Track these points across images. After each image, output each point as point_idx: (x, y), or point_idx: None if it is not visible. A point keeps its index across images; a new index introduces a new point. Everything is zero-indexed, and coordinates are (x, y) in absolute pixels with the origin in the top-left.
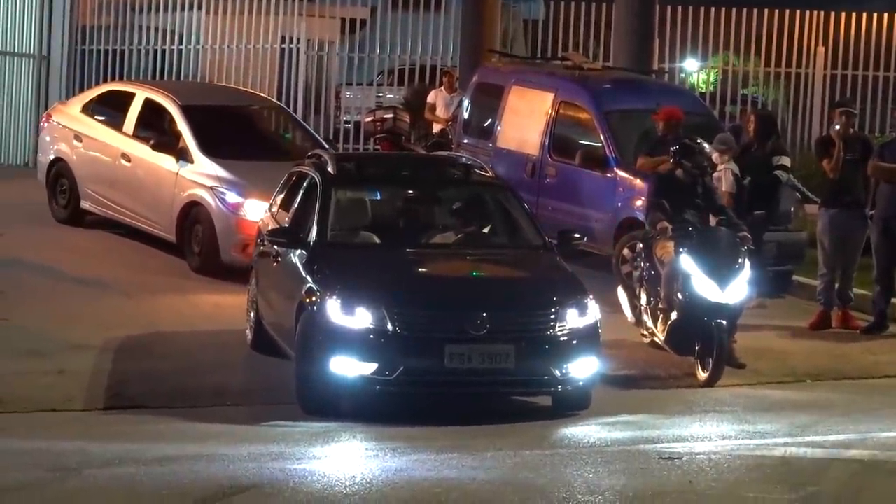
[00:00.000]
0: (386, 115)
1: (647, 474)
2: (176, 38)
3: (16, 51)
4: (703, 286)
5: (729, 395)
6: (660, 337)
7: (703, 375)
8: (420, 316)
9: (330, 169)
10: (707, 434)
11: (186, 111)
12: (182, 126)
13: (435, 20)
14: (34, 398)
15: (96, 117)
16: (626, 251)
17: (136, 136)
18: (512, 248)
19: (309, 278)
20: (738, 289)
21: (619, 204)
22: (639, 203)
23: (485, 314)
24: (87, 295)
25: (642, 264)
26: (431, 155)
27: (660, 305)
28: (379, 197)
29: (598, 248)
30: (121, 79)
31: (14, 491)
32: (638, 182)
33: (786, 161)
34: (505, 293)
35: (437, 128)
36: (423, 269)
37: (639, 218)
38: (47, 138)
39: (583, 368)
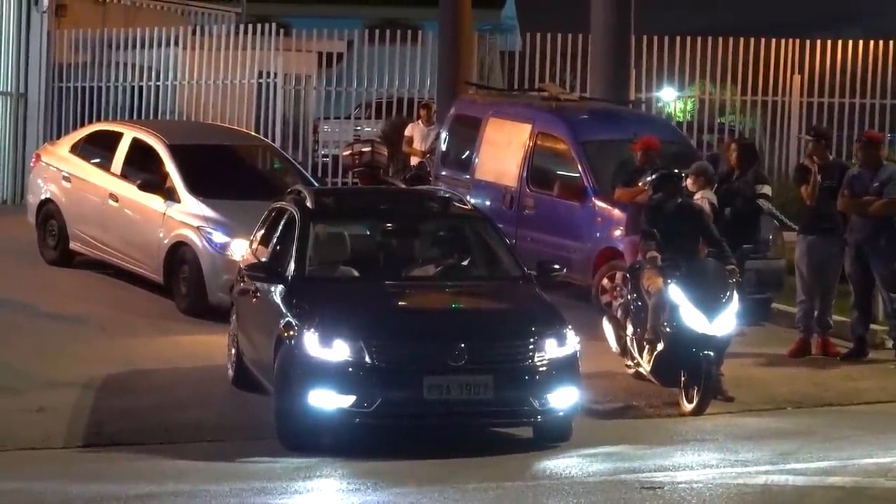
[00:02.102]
0: (364, 149)
1: None
2: (153, 74)
3: None
4: (691, 317)
5: (710, 423)
6: (645, 367)
7: (687, 407)
8: (398, 347)
9: (308, 204)
10: (689, 463)
11: (174, 150)
12: (169, 166)
13: (412, 53)
14: (12, 437)
15: (84, 157)
16: (605, 281)
17: (124, 176)
18: (490, 279)
19: (287, 313)
20: (726, 321)
21: (598, 234)
22: (617, 233)
23: (463, 345)
24: (68, 333)
25: (628, 295)
26: (410, 189)
27: (646, 336)
28: (357, 231)
29: (578, 279)
30: (98, 115)
31: None
32: (616, 212)
33: (767, 190)
34: (483, 324)
35: (414, 160)
36: (401, 302)
37: (617, 248)
38: (36, 179)
39: (562, 398)
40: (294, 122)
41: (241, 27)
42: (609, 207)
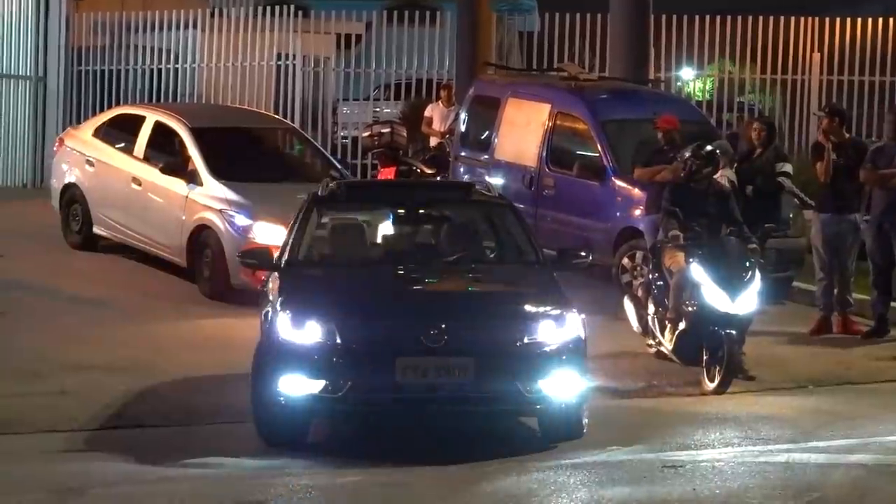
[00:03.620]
0: (383, 130)
1: (650, 483)
2: (172, 56)
3: (12, 73)
4: (714, 296)
5: (731, 402)
6: (667, 346)
7: (709, 385)
8: (369, 327)
9: (319, 191)
10: (710, 441)
11: (196, 133)
12: (191, 149)
13: (430, 34)
14: (35, 419)
15: (107, 141)
16: (625, 261)
17: (147, 159)
18: (501, 264)
19: (271, 298)
20: (748, 299)
21: (618, 214)
22: (637, 212)
23: (443, 325)
24: (90, 316)
25: (649, 274)
26: (433, 180)
27: (668, 315)
28: (367, 219)
29: (598, 259)
30: (117, 99)
31: None
32: (636, 192)
33: (788, 168)
34: (467, 305)
35: (434, 141)
36: (388, 284)
37: (638, 227)
38: (60, 164)
39: (559, 387)
40: (313, 104)
41: (260, 9)
42: (629, 187)
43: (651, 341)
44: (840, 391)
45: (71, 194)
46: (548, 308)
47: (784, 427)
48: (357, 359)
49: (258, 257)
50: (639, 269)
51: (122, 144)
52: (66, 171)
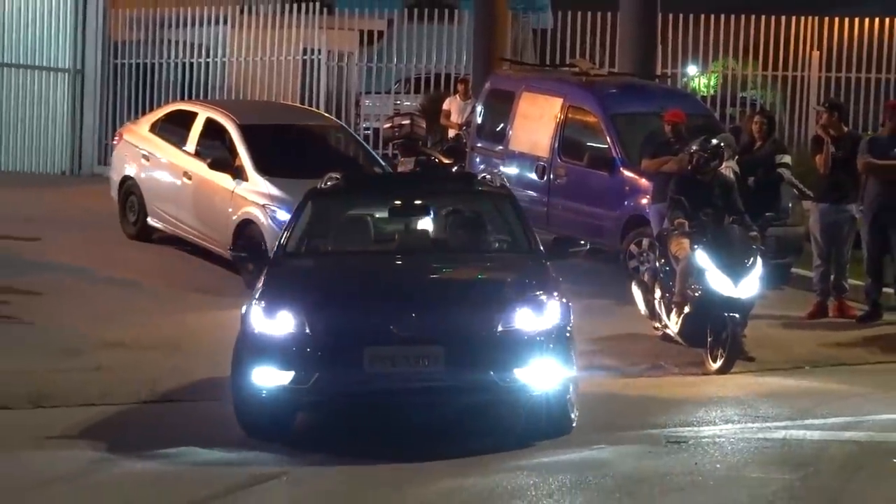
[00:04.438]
0: (403, 122)
1: (655, 457)
2: (203, 51)
3: (51, 65)
4: (718, 281)
5: (732, 382)
6: (673, 329)
7: (713, 366)
8: (337, 316)
9: (319, 185)
10: (712, 419)
11: (244, 130)
12: (238, 145)
13: (449, 31)
14: (73, 394)
15: (162, 136)
16: (632, 247)
17: (197, 154)
18: (491, 253)
19: (256, 288)
20: (750, 284)
21: (626, 202)
22: (644, 202)
23: (413, 314)
24: (134, 300)
25: (656, 261)
26: (431, 172)
27: (674, 299)
28: (364, 211)
29: (606, 245)
30: (151, 91)
31: (54, 482)
32: (643, 182)
33: (787, 160)
34: (441, 293)
35: (451, 133)
36: (366, 275)
37: (644, 216)
38: (118, 157)
39: (540, 376)
40: (337, 97)
41: (287, 6)
42: (636, 177)
43: (657, 324)
44: (835, 372)
45: (128, 186)
46: (527, 296)
47: (782, 405)
48: (326, 349)
49: (248, 251)
50: (645, 255)
51: (176, 139)
52: (124, 164)
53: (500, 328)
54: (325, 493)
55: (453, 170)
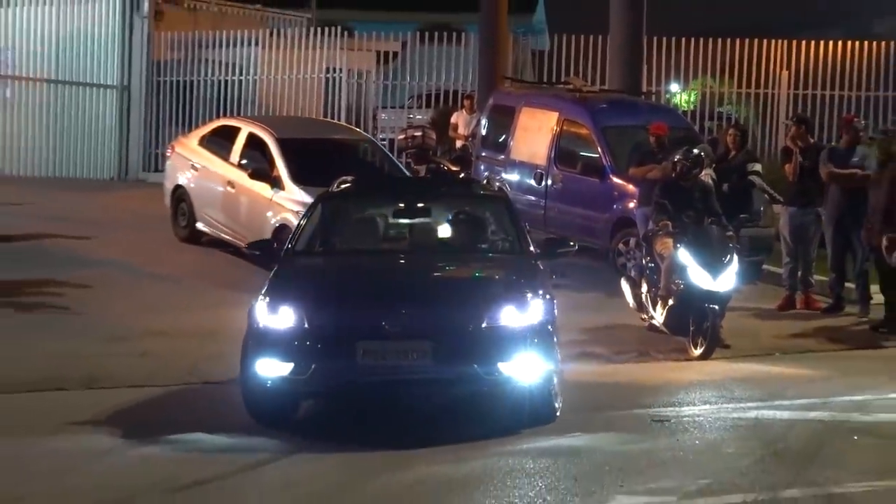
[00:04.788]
0: (416, 133)
1: (641, 435)
2: (236, 69)
3: (101, 83)
4: (699, 276)
5: (710, 367)
6: (658, 320)
7: (695, 353)
8: (333, 312)
9: (331, 188)
10: (692, 400)
11: (281, 143)
12: (276, 156)
13: (456, 52)
14: (121, 376)
15: (209, 149)
16: (621, 246)
17: (240, 165)
18: (484, 253)
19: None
20: (727, 279)
21: (615, 206)
22: (631, 205)
23: (403, 311)
24: (178, 294)
25: (642, 258)
26: (434, 178)
27: (659, 293)
28: (370, 212)
29: (597, 243)
30: (189, 105)
31: (100, 455)
32: (630, 187)
33: (758, 168)
34: (430, 291)
35: (459, 143)
36: (364, 272)
37: (631, 218)
38: (171, 167)
39: (522, 369)
40: (356, 111)
41: (312, 29)
42: (624, 183)
43: (644, 316)
44: (802, 358)
45: (179, 194)
46: (511, 294)
47: (754, 388)
48: (322, 342)
49: (262, 248)
50: (632, 253)
51: (221, 152)
52: (176, 174)
53: (485, 324)
54: (319, 476)
55: (460, 176)
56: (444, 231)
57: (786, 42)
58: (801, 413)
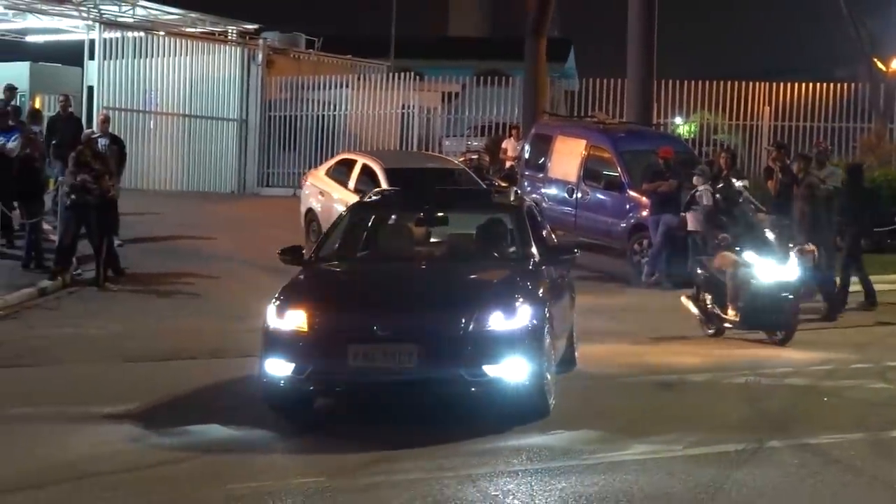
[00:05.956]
0: (473, 157)
1: (648, 397)
2: (330, 106)
3: (225, 117)
4: (767, 271)
5: (707, 346)
6: (733, 321)
7: (775, 339)
8: (328, 316)
9: (362, 198)
10: (693, 369)
11: (388, 171)
12: (383, 182)
13: (505, 92)
14: (241, 348)
15: (333, 178)
16: (635, 246)
17: (356, 190)
18: (489, 260)
19: None
20: (793, 268)
21: (631, 214)
22: (644, 213)
23: (392, 315)
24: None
25: (702, 276)
26: (458, 188)
27: (728, 299)
28: (389, 222)
29: (618, 244)
30: (294, 136)
31: (227, 410)
32: (643, 200)
33: (745, 183)
34: (421, 297)
35: (507, 164)
36: (365, 278)
37: (644, 224)
38: (304, 193)
39: (509, 371)
40: (426, 139)
41: (390, 75)
42: (638, 196)
43: (711, 327)
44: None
45: (310, 216)
46: (500, 299)
47: (741, 358)
48: (317, 345)
49: (292, 254)
50: (645, 251)
51: (342, 179)
52: (308, 199)
53: (470, 328)
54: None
55: (500, 188)
56: (454, 239)
57: (767, 84)
58: (781, 379)
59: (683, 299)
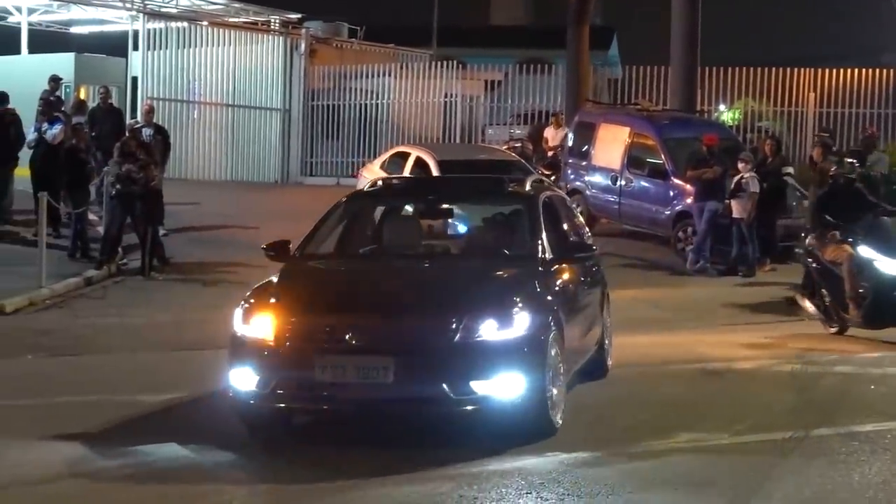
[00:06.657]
0: (516, 145)
1: (693, 385)
2: (373, 95)
3: (268, 106)
4: (888, 265)
5: (754, 333)
6: (856, 320)
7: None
8: (297, 322)
9: (363, 188)
10: (739, 357)
11: (440, 163)
12: (434, 173)
13: (548, 80)
14: None
15: (387, 171)
16: (680, 233)
17: None
18: (491, 258)
19: None
20: None
21: (675, 202)
22: (688, 201)
23: (366, 323)
24: None
25: (815, 271)
26: (469, 176)
27: (848, 296)
28: (387, 214)
29: (662, 232)
30: (336, 125)
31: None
32: (687, 187)
33: (790, 170)
34: (399, 302)
35: (550, 152)
36: (342, 280)
37: (688, 211)
38: (359, 186)
39: (500, 388)
40: (469, 128)
41: (433, 63)
42: (682, 184)
43: (832, 325)
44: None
45: None
46: (493, 305)
47: (788, 348)
48: (283, 356)
49: (277, 249)
50: (690, 239)
51: (396, 171)
52: None
53: (457, 338)
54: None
55: (549, 175)
56: (457, 233)
57: (812, 70)
58: (828, 367)
59: (798, 298)
